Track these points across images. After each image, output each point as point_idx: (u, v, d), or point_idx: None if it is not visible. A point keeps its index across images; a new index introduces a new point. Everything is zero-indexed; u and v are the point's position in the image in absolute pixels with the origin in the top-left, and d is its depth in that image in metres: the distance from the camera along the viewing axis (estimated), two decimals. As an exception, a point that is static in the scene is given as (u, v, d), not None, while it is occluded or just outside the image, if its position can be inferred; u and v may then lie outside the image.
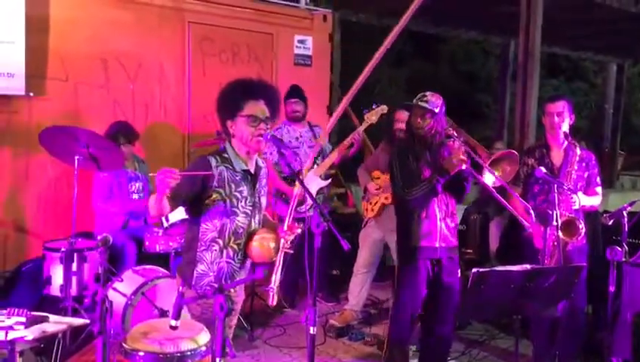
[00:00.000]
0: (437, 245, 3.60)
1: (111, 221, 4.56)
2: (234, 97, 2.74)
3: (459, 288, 3.66)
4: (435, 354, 3.83)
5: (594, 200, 3.94)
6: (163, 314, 3.78)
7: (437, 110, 3.54)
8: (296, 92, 5.14)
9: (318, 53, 6.58)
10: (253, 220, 2.79)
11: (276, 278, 2.86)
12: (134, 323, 3.65)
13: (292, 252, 2.84)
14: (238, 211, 2.72)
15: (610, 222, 3.66)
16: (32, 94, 4.72)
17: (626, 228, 3.56)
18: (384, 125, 4.86)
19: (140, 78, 5.37)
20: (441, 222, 3.61)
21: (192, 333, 2.60)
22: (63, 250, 4.01)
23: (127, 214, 4.61)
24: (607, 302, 3.41)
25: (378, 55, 3.66)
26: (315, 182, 4.52)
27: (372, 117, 4.60)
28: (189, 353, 2.53)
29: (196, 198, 2.67)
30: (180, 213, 3.97)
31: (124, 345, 2.58)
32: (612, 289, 3.36)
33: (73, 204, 3.94)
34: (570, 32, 9.31)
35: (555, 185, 3.62)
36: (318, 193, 4.73)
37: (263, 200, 2.87)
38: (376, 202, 4.62)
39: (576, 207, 3.70)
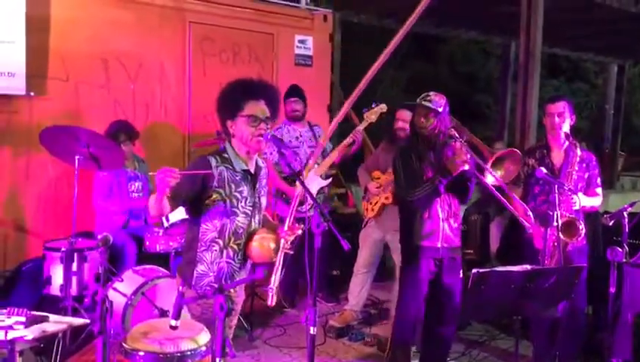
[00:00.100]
0: (439, 245, 3.60)
1: (111, 220, 4.56)
2: (234, 97, 2.74)
3: (460, 289, 3.66)
4: (435, 354, 3.83)
5: (594, 201, 3.94)
6: (163, 314, 3.78)
7: (440, 110, 3.54)
8: (295, 91, 5.14)
9: (319, 54, 6.58)
10: (253, 220, 2.79)
11: (276, 279, 2.86)
12: (134, 323, 3.65)
13: (292, 252, 2.84)
14: (238, 211, 2.71)
15: (611, 223, 3.66)
16: (32, 94, 4.72)
17: (627, 229, 3.56)
18: (385, 125, 4.86)
19: (140, 78, 5.37)
20: (444, 222, 3.61)
21: (192, 333, 2.60)
22: (63, 249, 4.01)
23: (127, 213, 4.61)
24: (608, 302, 3.40)
25: (382, 58, 3.67)
26: (315, 182, 4.51)
27: (372, 116, 4.59)
28: (189, 353, 2.53)
29: (196, 198, 2.66)
30: (180, 213, 3.97)
31: (124, 344, 2.58)
32: (612, 289, 3.36)
33: (73, 203, 3.95)
34: (571, 32, 9.30)
35: (556, 186, 3.62)
36: (318, 193, 4.72)
37: (263, 201, 2.87)
38: (377, 202, 4.62)
39: (577, 207, 3.70)
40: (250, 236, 2.76)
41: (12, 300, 4.17)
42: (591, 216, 4.15)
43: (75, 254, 4.02)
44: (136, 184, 4.72)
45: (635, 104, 17.04)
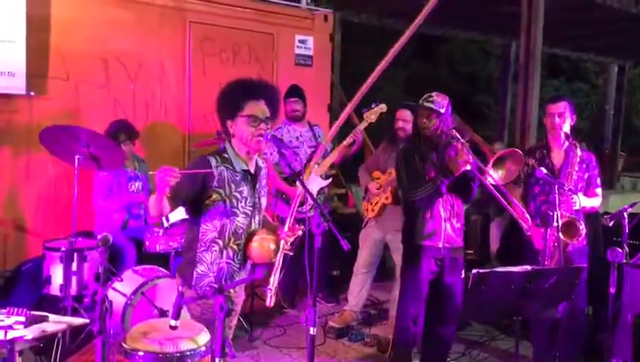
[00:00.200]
0: (441, 245, 3.60)
1: (111, 220, 4.55)
2: (234, 97, 2.73)
3: (462, 289, 3.65)
4: (436, 354, 3.83)
5: (594, 202, 3.94)
6: (163, 314, 3.78)
7: (442, 110, 3.55)
8: (295, 91, 5.13)
9: (319, 53, 6.58)
10: (253, 221, 2.79)
11: (275, 279, 2.86)
12: (134, 322, 3.65)
13: (292, 254, 2.83)
14: (238, 211, 2.71)
15: (611, 224, 3.66)
16: (32, 93, 4.71)
17: (627, 230, 3.56)
18: (385, 125, 4.86)
19: (140, 78, 5.37)
20: (446, 222, 3.61)
21: (191, 333, 2.60)
22: (62, 249, 4.01)
23: (127, 209, 4.60)
24: (608, 303, 3.40)
25: (385, 61, 3.66)
26: (315, 182, 4.51)
27: (371, 116, 4.59)
28: (188, 353, 2.53)
29: (196, 198, 2.66)
30: (180, 213, 3.97)
31: (123, 344, 2.58)
32: (613, 290, 3.36)
33: (73, 203, 3.94)
34: (571, 32, 9.30)
35: (556, 186, 3.62)
36: (318, 193, 4.72)
37: (263, 201, 2.87)
38: (377, 202, 4.62)
39: (577, 207, 3.70)
40: (250, 236, 2.75)
41: (12, 300, 4.17)
42: (591, 216, 4.16)
43: (75, 254, 4.01)
44: (136, 184, 4.72)
45: (635, 104, 17.04)
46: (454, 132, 3.53)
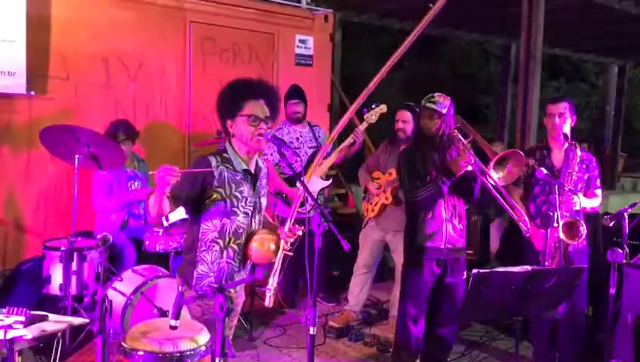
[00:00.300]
0: (442, 246, 3.60)
1: (111, 220, 4.55)
2: (234, 97, 2.73)
3: (463, 290, 3.65)
4: (436, 355, 3.83)
5: (594, 202, 3.94)
6: (163, 313, 3.78)
7: (444, 111, 3.55)
8: (296, 93, 5.13)
9: (319, 53, 6.58)
10: (253, 220, 2.79)
11: (274, 280, 2.86)
12: (134, 322, 3.65)
13: (291, 254, 2.83)
14: (238, 211, 2.71)
15: (611, 224, 3.66)
16: (33, 93, 4.71)
17: (627, 230, 3.56)
18: (385, 125, 4.85)
19: (140, 78, 5.37)
20: (448, 223, 3.60)
21: (191, 333, 2.60)
22: (62, 249, 4.01)
23: (126, 208, 4.60)
24: (608, 303, 3.40)
25: (387, 65, 3.67)
26: (316, 183, 4.52)
27: (372, 117, 4.60)
28: (188, 353, 2.53)
29: (197, 198, 2.66)
30: (180, 213, 3.97)
31: (123, 344, 2.57)
32: (613, 291, 3.36)
33: (73, 202, 3.94)
34: (572, 33, 9.30)
35: (556, 187, 3.62)
36: (319, 194, 4.73)
37: (263, 201, 2.87)
38: (377, 202, 4.62)
39: (577, 208, 3.70)
40: (250, 236, 2.75)
41: (11, 299, 4.17)
42: (591, 217, 4.16)
43: (75, 253, 4.02)
44: (136, 183, 4.71)
45: (635, 105, 17.04)
46: (456, 132, 3.53)
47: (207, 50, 5.78)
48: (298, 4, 6.41)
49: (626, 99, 13.20)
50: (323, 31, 6.61)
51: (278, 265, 2.88)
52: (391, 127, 4.65)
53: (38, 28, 4.72)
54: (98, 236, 3.30)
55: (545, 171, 3.64)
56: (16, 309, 2.82)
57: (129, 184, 4.67)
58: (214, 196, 2.66)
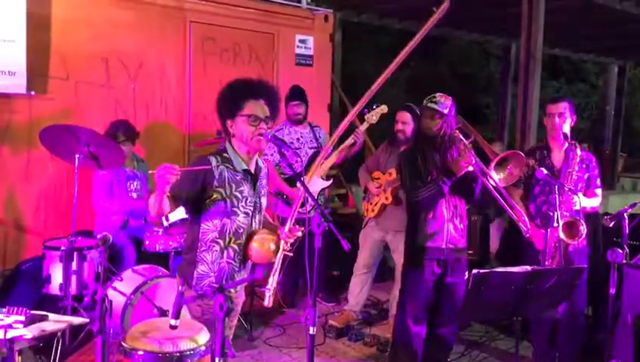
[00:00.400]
0: (443, 246, 3.60)
1: (111, 220, 4.55)
2: (234, 97, 2.73)
3: (463, 290, 3.65)
4: (436, 355, 3.83)
5: (594, 202, 3.94)
6: (163, 313, 3.78)
7: (446, 111, 3.55)
8: (297, 94, 5.12)
9: (319, 53, 6.58)
10: (253, 220, 2.79)
11: (274, 280, 2.86)
12: (134, 322, 3.65)
13: (291, 255, 2.83)
14: (238, 211, 2.71)
15: (611, 224, 3.66)
16: (33, 93, 4.71)
17: (627, 230, 3.56)
18: (385, 125, 4.86)
19: (141, 78, 5.37)
20: (449, 223, 3.60)
21: (191, 333, 2.60)
22: (62, 248, 4.01)
23: (127, 213, 4.61)
24: (608, 303, 3.40)
25: (390, 69, 3.67)
26: (317, 183, 4.52)
27: (373, 117, 4.61)
28: (188, 352, 2.53)
29: (197, 198, 2.66)
30: (180, 213, 3.97)
31: (123, 344, 2.57)
32: (612, 291, 3.36)
33: (73, 202, 3.95)
34: (572, 33, 9.30)
35: (556, 187, 3.62)
36: (319, 194, 4.73)
37: (264, 201, 2.87)
38: (377, 202, 4.62)
39: (577, 207, 3.70)
40: (250, 236, 2.75)
41: (11, 299, 4.17)
42: (591, 217, 4.16)
43: (75, 253, 4.02)
44: (135, 183, 4.72)
45: (635, 105, 17.05)
46: (457, 133, 3.53)
47: (208, 50, 5.78)
48: (298, 4, 6.41)
49: (626, 100, 13.20)
50: (323, 31, 6.61)
51: (277, 265, 2.88)
52: (391, 127, 4.65)
53: (38, 28, 4.72)
54: (98, 236, 3.30)
55: (545, 171, 3.65)
56: (16, 309, 2.82)
57: (129, 184, 4.67)
58: (214, 196, 2.66)
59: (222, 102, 2.77)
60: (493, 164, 3.38)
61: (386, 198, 4.54)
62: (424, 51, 14.92)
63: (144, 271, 4.06)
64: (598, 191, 3.97)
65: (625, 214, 3.58)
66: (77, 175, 3.95)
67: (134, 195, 4.68)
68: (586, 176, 3.92)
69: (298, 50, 6.41)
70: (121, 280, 3.97)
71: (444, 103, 3.57)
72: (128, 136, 4.61)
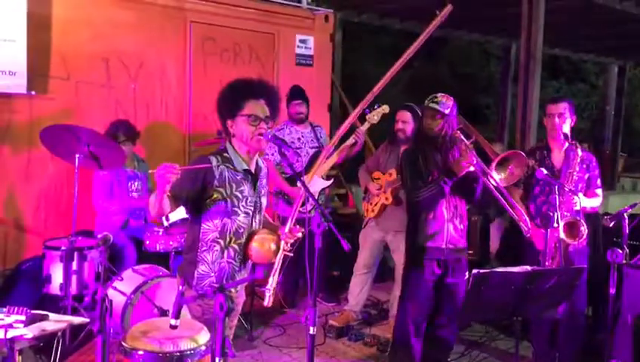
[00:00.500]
0: (444, 246, 3.60)
1: (111, 220, 4.56)
2: (234, 97, 2.73)
3: (464, 291, 3.65)
4: (436, 355, 3.83)
5: (594, 202, 3.95)
6: (163, 313, 3.78)
7: (447, 111, 3.55)
8: (299, 93, 5.12)
9: (320, 53, 6.58)
10: (254, 220, 2.79)
11: (273, 280, 2.86)
12: (134, 322, 3.66)
13: (291, 255, 2.83)
14: (239, 211, 2.71)
15: (611, 224, 3.66)
16: (33, 93, 4.72)
17: (627, 231, 3.56)
18: (386, 125, 4.86)
19: (141, 78, 5.37)
20: (449, 223, 3.60)
21: (191, 332, 2.60)
22: (63, 248, 4.02)
23: (127, 213, 4.61)
24: (608, 304, 3.41)
25: (392, 71, 3.67)
26: (318, 183, 4.52)
27: (374, 117, 4.61)
28: (188, 352, 2.53)
29: (197, 197, 2.66)
30: (180, 212, 3.97)
31: (123, 343, 2.57)
32: (612, 291, 3.36)
33: (74, 202, 3.95)
34: (572, 33, 9.30)
35: (556, 187, 3.62)
36: (319, 193, 4.73)
37: (264, 201, 2.87)
38: (377, 203, 4.62)
39: (577, 208, 3.70)
40: (250, 236, 2.76)
41: (12, 299, 4.17)
42: (591, 217, 4.16)
43: (75, 253, 4.02)
44: (136, 183, 4.72)
45: (635, 105, 17.05)
46: (458, 133, 3.53)
47: (208, 50, 5.78)
48: (298, 4, 6.41)
49: (626, 100, 13.20)
50: (323, 31, 6.61)
51: (278, 265, 2.88)
52: (391, 127, 4.65)
53: (38, 28, 4.72)
54: (99, 236, 3.31)
55: (545, 171, 3.65)
56: (16, 308, 2.83)
57: (129, 184, 4.67)
58: (215, 196, 2.66)
59: (222, 102, 2.77)
60: (494, 164, 3.38)
61: (386, 198, 4.54)
62: (427, 52, 14.94)
63: (144, 270, 4.07)
64: (599, 191, 3.97)
65: (625, 214, 3.58)
66: (77, 175, 3.95)
67: (135, 195, 4.68)
68: (586, 177, 3.93)
69: (298, 50, 6.41)
70: (122, 279, 3.97)
71: (445, 103, 3.57)
72: (129, 136, 4.61)
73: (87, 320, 3.15)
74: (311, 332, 2.55)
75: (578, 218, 3.64)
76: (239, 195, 2.71)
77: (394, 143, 4.62)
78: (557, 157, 3.92)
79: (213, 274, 2.70)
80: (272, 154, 4.83)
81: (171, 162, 2.43)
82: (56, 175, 4.90)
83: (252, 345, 4.46)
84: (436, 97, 3.61)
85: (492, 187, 3.47)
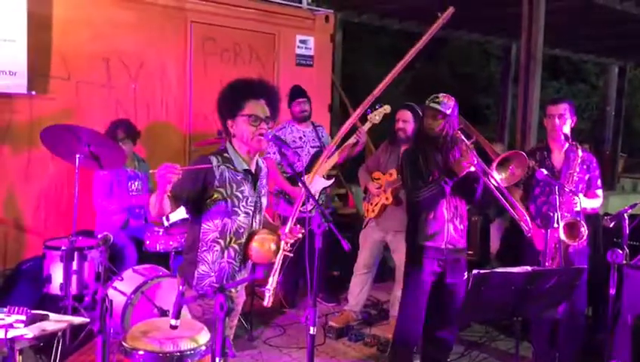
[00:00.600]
0: (443, 246, 3.59)
1: (111, 220, 4.56)
2: (234, 97, 2.74)
3: (463, 291, 3.65)
4: (436, 355, 3.83)
5: (594, 203, 3.95)
6: (163, 313, 3.78)
7: (448, 111, 3.55)
8: (302, 92, 5.13)
9: (320, 54, 6.59)
10: (254, 220, 2.79)
11: (273, 280, 2.86)
12: (134, 322, 3.66)
13: (292, 255, 2.83)
14: (239, 211, 2.71)
15: (611, 225, 3.66)
16: (34, 93, 4.72)
17: (627, 231, 3.56)
18: (386, 125, 4.86)
19: (141, 78, 5.37)
20: (449, 223, 3.60)
21: (192, 333, 2.60)
22: (63, 248, 4.02)
23: (127, 211, 4.61)
24: (608, 304, 3.41)
25: (392, 73, 3.67)
26: (319, 182, 4.52)
27: (375, 117, 4.61)
28: (188, 352, 2.53)
29: (197, 198, 2.66)
30: (180, 213, 3.97)
31: (123, 343, 2.58)
32: (612, 291, 3.36)
33: (74, 202, 3.95)
34: (572, 34, 9.30)
35: (557, 187, 3.62)
36: (320, 193, 4.73)
37: (264, 201, 2.87)
38: (377, 203, 4.62)
39: (578, 208, 3.70)
40: (250, 236, 2.76)
41: (12, 299, 4.17)
42: (591, 217, 4.16)
43: (76, 253, 4.02)
44: (136, 183, 4.72)
45: (635, 106, 17.05)
46: (459, 133, 3.53)
47: (208, 50, 5.78)
48: (299, 5, 6.41)
49: (627, 100, 13.20)
50: (324, 31, 6.61)
51: (278, 266, 2.88)
52: (391, 127, 4.66)
53: (39, 28, 4.72)
54: (99, 236, 3.31)
55: (545, 172, 3.65)
56: (17, 308, 2.83)
57: (129, 184, 4.67)
58: (215, 196, 2.66)
59: (222, 102, 2.77)
60: (494, 164, 3.38)
61: (387, 199, 4.54)
62: (425, 52, 14.93)
63: (145, 270, 4.07)
64: (599, 191, 3.97)
65: (625, 215, 3.58)
66: (77, 175, 3.95)
67: (135, 195, 4.68)
68: (586, 177, 3.93)
69: (299, 51, 6.41)
70: (122, 279, 3.97)
71: (446, 104, 3.57)
72: (128, 135, 4.61)
73: (88, 320, 3.15)
74: (311, 332, 2.55)
75: (578, 218, 3.64)
76: (239, 195, 2.71)
77: (394, 143, 4.62)
78: (557, 157, 3.92)
79: (213, 274, 2.71)
80: (274, 153, 4.83)
81: (172, 162, 2.43)
82: (57, 175, 4.91)
83: (252, 345, 4.46)
84: (437, 97, 3.61)
85: (493, 187, 3.47)
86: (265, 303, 2.82)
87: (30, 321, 2.78)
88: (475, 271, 2.78)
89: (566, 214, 3.69)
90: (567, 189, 3.69)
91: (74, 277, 4.00)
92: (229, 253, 2.72)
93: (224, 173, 2.68)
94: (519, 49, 6.64)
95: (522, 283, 2.86)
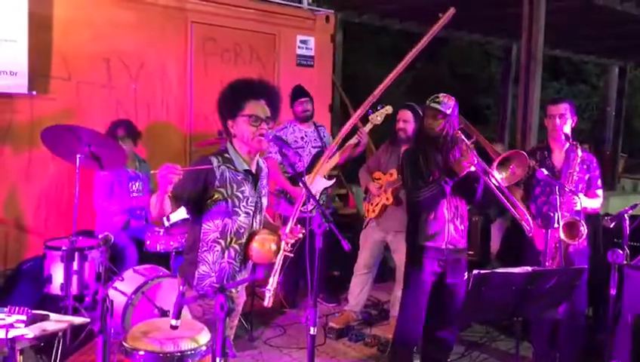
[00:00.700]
0: (444, 246, 3.59)
1: (112, 220, 4.56)
2: (235, 97, 2.74)
3: (464, 291, 3.65)
4: (436, 356, 3.83)
5: (594, 203, 3.95)
6: (163, 313, 3.78)
7: (449, 111, 3.55)
8: (304, 92, 5.12)
9: (321, 54, 6.59)
10: (254, 220, 2.79)
11: (274, 280, 2.86)
12: (135, 322, 3.66)
13: (292, 255, 2.83)
14: (239, 211, 2.72)
15: (612, 225, 3.66)
16: (34, 93, 4.72)
17: (627, 231, 3.56)
18: (387, 125, 4.86)
19: (142, 78, 5.38)
20: (449, 223, 3.60)
21: (192, 333, 2.60)
22: (64, 248, 4.02)
23: (128, 212, 4.62)
24: (608, 304, 3.41)
25: (393, 74, 3.67)
26: (320, 182, 4.52)
27: (377, 118, 4.61)
28: (189, 352, 2.53)
29: (198, 198, 2.66)
30: (181, 213, 3.97)
31: (124, 344, 2.58)
32: (613, 291, 3.36)
33: (74, 202, 3.95)
34: (573, 34, 9.30)
35: (557, 187, 3.62)
36: (321, 193, 4.73)
37: (264, 201, 2.88)
38: (378, 203, 4.62)
39: (578, 208, 3.70)
40: (251, 236, 2.76)
41: (13, 299, 4.18)
42: (591, 217, 4.16)
43: (76, 253, 4.03)
44: (137, 184, 4.72)
45: (636, 106, 17.04)
46: (460, 133, 3.53)
47: (209, 51, 5.78)
48: (299, 5, 6.42)
49: (627, 101, 13.19)
50: (324, 31, 6.62)
51: (278, 266, 2.88)
52: (392, 127, 4.66)
53: (39, 28, 4.73)
54: (99, 236, 3.31)
55: (545, 172, 3.65)
56: (17, 308, 2.83)
57: (130, 184, 4.67)
58: (216, 196, 2.66)
59: (223, 102, 2.78)
60: (495, 164, 3.38)
61: (387, 199, 4.54)
62: (425, 52, 14.93)
63: (145, 271, 4.07)
64: (599, 191, 3.98)
65: (625, 215, 3.58)
66: (78, 175, 3.96)
67: (136, 196, 4.68)
68: (586, 177, 3.93)
69: (299, 51, 6.41)
70: (122, 280, 3.97)
71: (447, 103, 3.57)
72: (128, 134, 4.62)
73: (88, 320, 3.15)
74: (311, 332, 2.55)
75: (577, 218, 3.65)
76: (240, 195, 2.71)
77: (395, 143, 4.62)
78: (557, 157, 3.93)
79: (213, 274, 2.71)
80: (275, 153, 4.83)
81: (172, 162, 2.43)
82: (57, 175, 4.91)
83: (252, 345, 4.46)
84: (438, 97, 3.61)
85: (493, 187, 3.47)
86: (265, 303, 2.82)
87: (31, 321, 2.79)
88: (475, 272, 2.78)
89: (566, 214, 3.69)
90: (567, 189, 3.69)
91: (74, 278, 4.00)
92: (229, 254, 2.72)
93: (225, 174, 2.68)
94: (520, 49, 6.64)
95: (522, 283, 2.86)
